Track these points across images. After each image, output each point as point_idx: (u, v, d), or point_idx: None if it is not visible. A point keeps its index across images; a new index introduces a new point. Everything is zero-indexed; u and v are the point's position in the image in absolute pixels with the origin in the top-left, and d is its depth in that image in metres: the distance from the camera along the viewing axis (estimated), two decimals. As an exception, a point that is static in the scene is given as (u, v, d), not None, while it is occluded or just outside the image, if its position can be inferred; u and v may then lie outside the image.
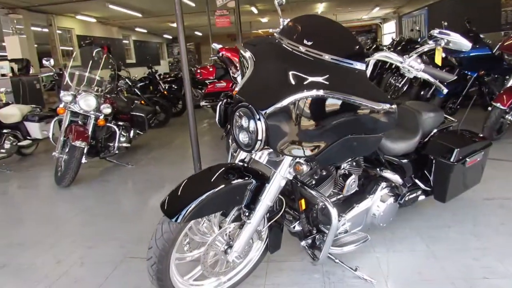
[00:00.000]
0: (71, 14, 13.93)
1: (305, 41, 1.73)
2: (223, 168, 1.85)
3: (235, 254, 1.84)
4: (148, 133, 6.01)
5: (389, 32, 22.00)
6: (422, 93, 6.90)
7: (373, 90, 1.66)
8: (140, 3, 13.09)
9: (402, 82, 8.53)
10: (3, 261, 2.62)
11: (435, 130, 2.57)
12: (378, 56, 1.79)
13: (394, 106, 1.67)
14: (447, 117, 2.79)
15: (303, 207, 2.02)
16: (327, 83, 1.59)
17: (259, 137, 1.63)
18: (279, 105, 1.57)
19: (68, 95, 4.35)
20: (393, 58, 1.75)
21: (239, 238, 1.84)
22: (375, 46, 12.81)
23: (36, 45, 12.45)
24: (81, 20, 14.77)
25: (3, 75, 8.64)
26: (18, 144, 5.54)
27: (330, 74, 1.63)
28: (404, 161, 2.41)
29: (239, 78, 4.58)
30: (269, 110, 1.58)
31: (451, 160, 2.38)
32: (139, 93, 8.00)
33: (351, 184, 2.09)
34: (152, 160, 5.25)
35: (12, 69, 8.81)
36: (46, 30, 13.33)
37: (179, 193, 1.71)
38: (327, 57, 1.65)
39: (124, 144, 5.08)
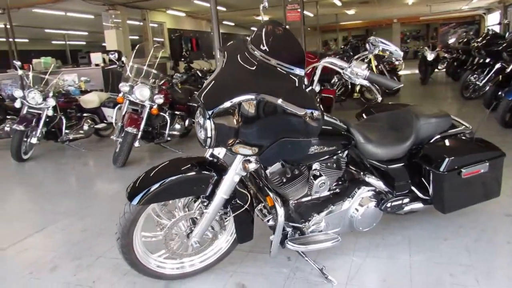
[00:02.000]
0: (163, 9, 15.07)
1: (261, 47, 1.84)
2: (190, 160, 2.04)
3: (194, 239, 2.02)
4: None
5: (493, 24, 19.85)
6: (499, 93, 6.28)
7: (303, 96, 1.71)
8: (224, -3, 13.68)
9: (484, 81, 7.79)
10: (43, 224, 3.14)
11: (437, 136, 2.44)
12: (323, 62, 1.82)
13: (317, 113, 1.70)
14: (462, 123, 2.62)
15: (270, 203, 2.13)
16: (265, 87, 1.70)
17: (208, 135, 1.79)
18: (222, 106, 1.72)
19: (126, 86, 4.87)
20: (337, 64, 1.77)
21: (198, 225, 2.02)
22: (466, 39, 11.82)
23: (130, 38, 13.76)
24: (172, 15, 15.89)
25: (96, 65, 9.78)
26: (95, 126, 6.33)
27: (272, 78, 1.73)
28: (392, 166, 2.35)
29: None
30: (215, 111, 1.73)
31: (441, 169, 2.26)
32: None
33: (320, 185, 2.13)
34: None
35: (104, 60, 9.92)
36: (140, 23, 14.63)
37: (142, 179, 1.95)
38: (273, 62, 1.75)
39: (176, 132, 5.49)
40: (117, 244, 1.99)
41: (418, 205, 2.51)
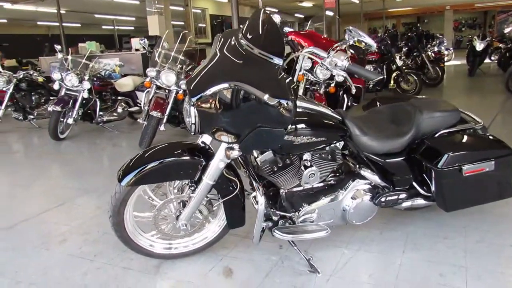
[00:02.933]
0: (206, -5, 15.26)
1: (248, 35, 1.85)
2: (181, 146, 2.11)
3: (182, 221, 2.10)
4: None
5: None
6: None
7: (277, 86, 1.71)
8: (265, -17, 13.58)
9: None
10: (64, 199, 3.36)
11: (442, 131, 2.34)
12: (304, 52, 1.80)
13: (288, 104, 1.69)
14: (474, 118, 2.50)
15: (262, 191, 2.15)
16: (244, 75, 1.72)
17: (192, 121, 1.85)
18: (204, 94, 1.76)
19: (153, 71, 5.02)
20: (318, 53, 1.75)
21: (186, 208, 2.09)
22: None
23: (174, 23, 14.06)
24: (214, 1, 16.02)
25: (136, 49, 10.11)
26: (129, 109, 6.58)
27: (252, 67, 1.75)
28: (390, 160, 2.28)
29: (304, 63, 4.65)
30: (195, 98, 1.77)
31: (439, 165, 2.17)
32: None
33: (309, 176, 2.12)
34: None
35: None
36: (183, 9, 14.88)
37: (132, 161, 2.03)
38: (256, 50, 1.76)
39: None
40: (110, 222, 2.10)
41: (419, 202, 2.43)
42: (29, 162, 4.88)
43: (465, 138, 2.33)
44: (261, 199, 1.98)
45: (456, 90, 8.94)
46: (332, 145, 2.19)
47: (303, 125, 1.99)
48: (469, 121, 2.47)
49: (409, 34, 9.58)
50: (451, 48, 16.92)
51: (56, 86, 5.91)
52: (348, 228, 2.50)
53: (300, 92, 4.80)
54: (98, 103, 6.00)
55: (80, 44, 10.62)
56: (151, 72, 5.05)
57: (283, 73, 1.79)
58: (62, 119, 5.74)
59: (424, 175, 2.33)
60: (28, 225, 2.94)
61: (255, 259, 2.29)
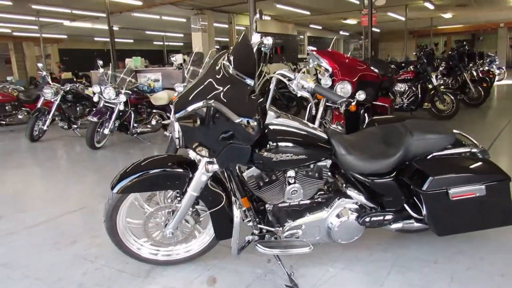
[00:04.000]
0: (248, 13, 15.64)
1: (230, 57, 1.99)
2: (173, 158, 2.26)
3: (169, 230, 2.23)
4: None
5: None
6: None
7: (244, 105, 1.81)
8: (307, 2, 13.75)
9: None
10: (85, 204, 3.62)
11: (434, 154, 2.32)
12: (276, 74, 1.89)
13: (252, 122, 1.78)
14: (472, 141, 2.45)
15: (246, 204, 2.25)
16: (219, 94, 1.85)
17: (176, 135, 2.00)
18: (185, 110, 1.90)
19: (180, 86, 5.27)
20: (286, 75, 1.84)
21: (172, 218, 2.22)
22: None
23: (219, 39, 14.56)
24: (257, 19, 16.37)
25: (180, 65, 10.58)
26: (162, 122, 6.91)
27: (228, 86, 1.87)
28: (378, 181, 2.29)
29: (323, 81, 4.71)
30: (177, 115, 1.92)
31: (423, 188, 2.15)
32: (274, 88, 8.68)
33: (291, 192, 2.19)
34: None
35: (184, 60, 10.68)
36: (226, 26, 15.37)
37: (126, 169, 2.21)
38: (233, 71, 1.89)
39: None
40: (104, 225, 2.28)
41: (411, 224, 2.41)
42: (66, 168, 5.28)
43: (455, 161, 2.29)
44: (237, 213, 2.08)
45: (496, 111, 8.52)
46: (320, 163, 2.25)
47: (282, 143, 2.06)
48: (468, 145, 2.42)
49: (450, 52, 9.29)
50: (503, 67, 16.13)
51: (95, 99, 6.36)
52: (338, 247, 2.51)
53: (320, 110, 4.85)
54: (133, 115, 6.37)
55: (127, 59, 11.29)
56: (178, 87, 5.31)
57: (256, 93, 1.89)
58: (99, 129, 6.15)
59: (414, 197, 2.32)
60: (49, 225, 3.21)
61: (241, 270, 2.37)
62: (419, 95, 7.51)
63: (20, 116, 8.44)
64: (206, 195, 2.21)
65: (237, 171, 2.20)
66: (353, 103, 4.76)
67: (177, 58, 5.95)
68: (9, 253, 2.73)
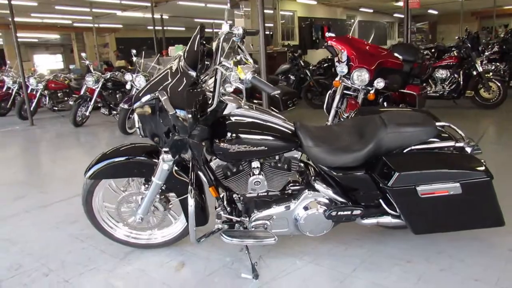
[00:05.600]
0: (293, -2, 15.41)
1: (185, 49, 2.02)
2: (143, 147, 2.34)
3: (138, 215, 2.32)
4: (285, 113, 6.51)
5: None
6: None
7: (181, 97, 1.82)
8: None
9: None
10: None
11: (411, 147, 2.18)
12: (217, 65, 1.88)
13: (183, 114, 1.78)
14: (462, 135, 2.27)
15: (214, 194, 2.29)
16: (166, 86, 1.89)
17: (136, 125, 2.07)
18: (140, 101, 1.96)
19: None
20: (226, 65, 1.82)
21: (141, 204, 2.31)
22: None
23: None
24: (303, 3, 16.06)
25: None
26: None
27: (176, 78, 1.91)
28: (349, 175, 2.21)
29: (339, 68, 4.57)
30: (135, 105, 1.99)
31: (389, 184, 2.04)
32: (309, 74, 8.55)
33: (254, 183, 2.18)
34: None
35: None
36: (271, 12, 15.21)
37: (100, 156, 2.32)
38: (182, 63, 1.92)
39: None
40: (82, 208, 2.43)
41: (387, 220, 2.31)
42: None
43: (429, 156, 2.15)
44: (191, 201, 2.11)
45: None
46: (288, 155, 2.22)
47: (240, 134, 2.06)
48: (453, 139, 2.25)
49: (503, 35, 8.52)
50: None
51: (128, 86, 6.66)
52: (314, 240, 2.47)
53: (337, 98, 4.72)
54: None
55: (170, 47, 11.63)
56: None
57: (198, 85, 1.90)
58: (131, 116, 6.44)
59: (386, 193, 2.22)
60: (59, 206, 3.46)
61: (211, 257, 2.42)
62: (461, 82, 7.02)
63: (70, 103, 9.04)
64: (174, 183, 2.27)
65: (203, 160, 2.23)
66: (371, 92, 4.58)
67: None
68: (16, 230, 2.99)
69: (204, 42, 2.29)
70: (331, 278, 2.14)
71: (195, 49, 1.95)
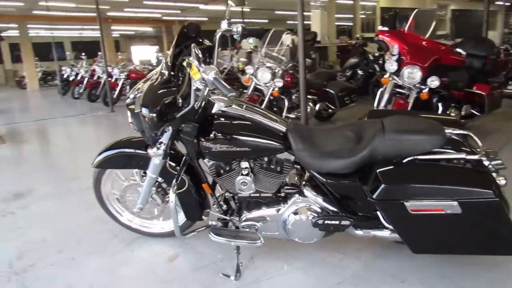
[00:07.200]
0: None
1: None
2: (143, 141, 2.45)
3: (137, 205, 2.43)
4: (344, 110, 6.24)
5: None
6: None
7: (152, 96, 1.85)
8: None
9: None
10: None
11: (413, 157, 1.97)
12: (185, 62, 1.87)
13: (146, 112, 1.80)
14: (478, 144, 2.00)
15: (208, 190, 2.32)
16: (149, 83, 1.97)
17: (129, 120, 2.17)
18: (130, 98, 2.07)
19: (251, 68, 5.41)
20: (195, 63, 1.81)
21: (139, 195, 2.43)
22: None
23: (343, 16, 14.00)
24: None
25: (288, 45, 10.63)
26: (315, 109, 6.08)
27: (157, 76, 1.97)
28: (335, 182, 2.07)
29: (388, 65, 4.28)
30: (127, 101, 2.10)
31: (374, 196, 1.87)
32: (378, 69, 8.12)
33: (241, 183, 2.16)
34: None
35: (293, 40, 10.65)
36: (351, 2, 14.64)
37: (106, 146, 2.47)
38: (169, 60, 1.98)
39: (292, 115, 5.65)
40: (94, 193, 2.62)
41: (383, 234, 2.13)
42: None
43: (426, 168, 1.91)
44: (172, 197, 2.15)
45: None
46: (280, 156, 2.16)
47: (221, 134, 2.05)
48: (465, 150, 1.99)
49: None
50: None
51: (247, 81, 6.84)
52: (311, 247, 2.38)
53: (385, 97, 4.42)
54: (286, 103, 5.58)
55: (243, 40, 11.86)
56: (249, 69, 5.45)
57: (172, 84, 1.93)
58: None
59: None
60: (77, 184, 3.82)
61: (205, 252, 2.46)
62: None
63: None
64: (169, 177, 2.34)
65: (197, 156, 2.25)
66: (425, 91, 4.22)
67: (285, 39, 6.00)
68: (55, 207, 3.33)
69: (201, 40, 2.33)
70: (304, 285, 2.05)
71: (174, 48, 1.98)
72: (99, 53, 11.86)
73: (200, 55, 1.88)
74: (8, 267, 2.40)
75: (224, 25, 2.20)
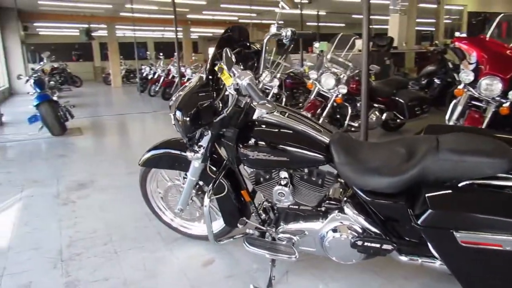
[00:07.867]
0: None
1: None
2: None
3: (178, 206, 2.45)
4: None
5: None
6: None
7: (188, 100, 1.83)
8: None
9: None
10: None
11: (471, 181, 1.73)
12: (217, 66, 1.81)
13: (178, 115, 1.78)
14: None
15: (247, 198, 2.27)
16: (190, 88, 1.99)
17: (172, 122, 2.19)
18: (173, 101, 2.08)
19: (314, 73, 5.27)
20: (226, 67, 1.74)
21: (180, 197, 2.44)
22: None
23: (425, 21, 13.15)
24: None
25: (359, 50, 10.24)
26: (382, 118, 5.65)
27: (197, 81, 1.96)
28: (378, 201, 1.89)
29: (464, 75, 3.90)
30: (170, 104, 2.11)
31: (419, 221, 1.67)
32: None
33: (279, 194, 2.07)
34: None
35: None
36: (435, 6, 13.71)
37: (153, 146, 2.51)
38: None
39: (355, 123, 5.36)
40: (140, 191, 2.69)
41: (433, 264, 1.90)
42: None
43: (485, 196, 1.66)
44: (206, 201, 2.11)
45: None
46: (322, 169, 2.04)
47: (260, 142, 1.98)
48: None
49: None
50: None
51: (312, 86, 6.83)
52: (349, 267, 2.22)
53: (458, 109, 4.04)
54: (350, 110, 5.36)
55: (315, 44, 11.67)
56: (312, 74, 5.31)
57: (210, 89, 1.89)
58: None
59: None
60: (106, 180, 3.97)
61: (242, 260, 2.41)
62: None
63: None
64: (210, 181, 2.31)
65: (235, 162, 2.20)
66: (505, 105, 3.77)
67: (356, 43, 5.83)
68: (110, 199, 3.50)
69: (248, 44, 2.28)
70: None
71: (216, 51, 1.95)
72: (175, 53, 12.46)
73: (234, 60, 1.81)
74: (57, 253, 2.55)
75: (273, 29, 2.13)
